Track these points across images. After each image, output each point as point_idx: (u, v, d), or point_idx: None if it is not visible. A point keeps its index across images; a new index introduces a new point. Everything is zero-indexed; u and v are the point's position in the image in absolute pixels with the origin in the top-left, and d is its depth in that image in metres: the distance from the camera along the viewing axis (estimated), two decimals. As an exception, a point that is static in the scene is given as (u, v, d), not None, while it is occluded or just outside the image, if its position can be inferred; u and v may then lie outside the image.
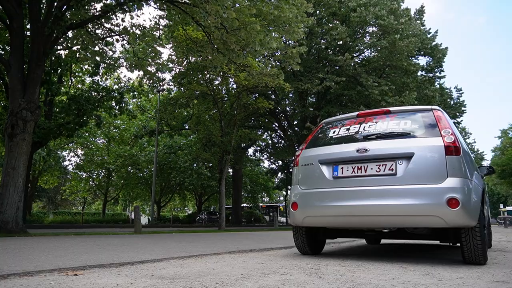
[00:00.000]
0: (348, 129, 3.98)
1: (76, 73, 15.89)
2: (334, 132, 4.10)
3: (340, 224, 3.72)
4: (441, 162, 3.24)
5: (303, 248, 4.23)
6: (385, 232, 3.94)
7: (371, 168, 3.50)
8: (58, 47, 10.94)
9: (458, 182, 3.16)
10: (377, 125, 3.83)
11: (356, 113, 4.19)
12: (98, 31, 10.32)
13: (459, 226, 3.16)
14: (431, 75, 23.27)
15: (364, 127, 3.89)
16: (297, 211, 3.83)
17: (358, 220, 3.50)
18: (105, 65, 12.17)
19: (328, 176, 3.72)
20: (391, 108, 4.01)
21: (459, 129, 27.19)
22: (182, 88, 16.99)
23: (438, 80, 23.74)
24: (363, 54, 20.81)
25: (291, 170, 4.86)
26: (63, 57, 12.45)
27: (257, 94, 18.97)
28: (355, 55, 19.33)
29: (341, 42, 18.51)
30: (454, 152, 3.27)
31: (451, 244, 3.82)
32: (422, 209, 3.15)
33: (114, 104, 14.81)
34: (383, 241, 7.31)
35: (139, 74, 12.55)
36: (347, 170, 3.63)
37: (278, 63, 17.52)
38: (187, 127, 21.69)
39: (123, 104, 15.26)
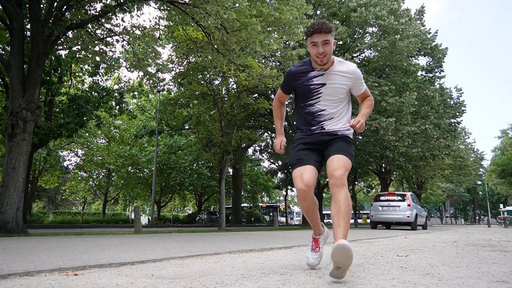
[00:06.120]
0: (386, 199, 17.09)
1: (76, 73, 15.88)
2: (381, 197, 17.44)
3: (382, 220, 17.04)
4: (408, 206, 16.45)
5: (373, 227, 17.57)
6: (393, 223, 17.27)
7: (392, 206, 16.56)
8: (58, 47, 10.93)
9: (412, 210, 16.53)
10: (394, 197, 17.08)
11: (387, 192, 16.96)
12: (98, 31, 10.31)
13: (411, 221, 16.25)
14: (431, 75, 23.27)
15: (388, 198, 17.12)
16: (373, 217, 17.16)
17: (387, 219, 16.86)
18: (105, 65, 12.16)
19: (380, 208, 16.84)
20: (396, 192, 17.97)
21: (459, 129, 29.24)
22: (182, 88, 16.98)
23: (438, 80, 23.76)
24: (363, 54, 20.79)
25: (371, 206, 18.01)
26: (63, 57, 12.45)
27: (257, 94, 18.95)
28: (355, 55, 19.31)
29: (341, 42, 18.50)
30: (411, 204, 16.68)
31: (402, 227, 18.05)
32: (404, 217, 16.27)
33: (114, 104, 14.81)
34: (383, 241, 7.35)
35: (139, 75, 12.52)
36: (385, 207, 16.72)
37: (277, 63, 17.51)
38: (187, 127, 21.67)
39: (123, 104, 15.26)
